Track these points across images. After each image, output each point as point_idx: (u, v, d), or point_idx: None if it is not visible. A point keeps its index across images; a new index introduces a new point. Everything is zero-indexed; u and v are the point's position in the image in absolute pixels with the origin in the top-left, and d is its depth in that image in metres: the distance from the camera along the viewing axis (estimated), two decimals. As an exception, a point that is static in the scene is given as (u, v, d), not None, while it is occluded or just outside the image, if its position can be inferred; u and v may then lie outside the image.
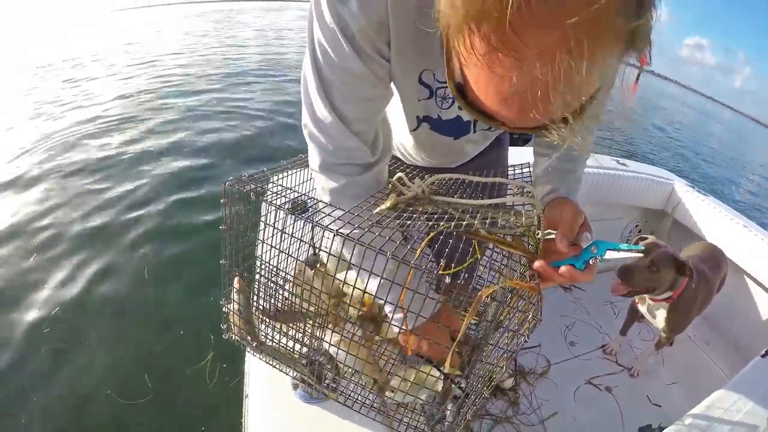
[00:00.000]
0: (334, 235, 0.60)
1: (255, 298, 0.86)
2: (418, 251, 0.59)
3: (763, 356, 1.38)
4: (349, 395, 0.86)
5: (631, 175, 2.41)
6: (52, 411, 1.94)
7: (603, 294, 2.37)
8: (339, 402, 0.86)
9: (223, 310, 0.88)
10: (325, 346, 0.83)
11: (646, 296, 1.74)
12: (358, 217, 0.64)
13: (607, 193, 2.37)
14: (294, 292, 0.79)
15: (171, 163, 4.25)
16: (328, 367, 0.88)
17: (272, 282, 0.82)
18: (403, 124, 0.88)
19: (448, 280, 0.61)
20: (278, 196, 0.70)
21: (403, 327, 0.71)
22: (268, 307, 0.87)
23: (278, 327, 0.86)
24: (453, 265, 0.67)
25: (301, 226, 0.66)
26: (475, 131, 0.89)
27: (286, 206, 0.67)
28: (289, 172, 0.89)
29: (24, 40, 12.50)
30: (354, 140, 0.70)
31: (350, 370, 0.81)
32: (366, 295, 0.78)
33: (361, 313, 0.82)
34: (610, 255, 0.60)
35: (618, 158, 2.61)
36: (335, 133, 0.69)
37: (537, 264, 0.64)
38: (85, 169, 4.03)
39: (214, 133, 5.10)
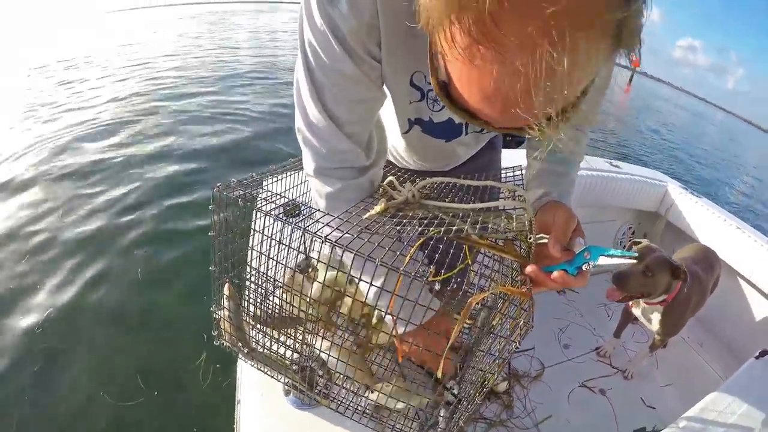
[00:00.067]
0: (323, 242, 0.60)
1: (245, 304, 0.85)
2: (408, 257, 0.59)
3: (757, 358, 1.38)
4: (341, 401, 0.86)
5: (624, 177, 2.41)
6: (47, 413, 1.94)
7: (597, 296, 2.37)
8: (331, 408, 0.86)
9: (214, 316, 0.87)
10: (317, 352, 0.82)
11: (641, 300, 1.74)
12: (348, 223, 0.64)
13: (601, 196, 2.38)
14: (284, 298, 0.78)
15: (164, 166, 4.22)
16: (320, 373, 0.88)
17: (262, 288, 0.81)
18: (395, 127, 0.88)
19: (437, 286, 0.60)
20: (267, 202, 0.69)
21: (397, 332, 0.71)
22: (258, 313, 0.86)
23: (269, 333, 0.86)
24: (443, 270, 0.67)
25: (290, 232, 0.65)
26: (467, 133, 0.89)
27: (276, 212, 0.67)
28: (279, 177, 0.89)
29: (16, 41, 12.43)
30: (347, 143, 0.69)
31: (342, 376, 0.81)
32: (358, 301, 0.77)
33: (353, 319, 0.81)
34: (603, 260, 0.60)
35: (611, 160, 2.62)
36: (328, 135, 0.68)
37: (529, 269, 0.64)
38: (78, 172, 4.00)
39: (208, 137, 5.08)
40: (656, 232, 2.57)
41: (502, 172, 1.17)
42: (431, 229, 0.60)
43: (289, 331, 0.84)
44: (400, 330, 0.73)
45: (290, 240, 0.66)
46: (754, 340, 2.06)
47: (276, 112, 6.20)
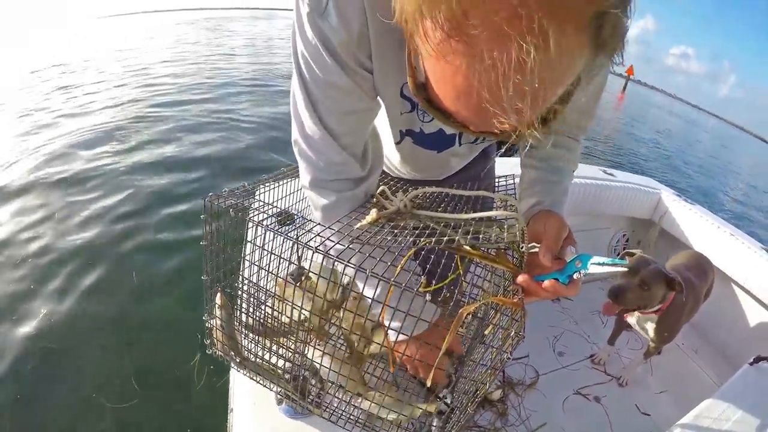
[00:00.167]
0: (313, 252, 0.60)
1: (238, 313, 0.85)
2: (399, 268, 0.59)
3: (751, 364, 1.39)
4: (334, 410, 0.85)
5: (617, 185, 2.42)
6: (46, 416, 1.94)
7: (591, 304, 2.38)
8: (323, 417, 0.85)
9: (206, 325, 0.87)
10: (309, 361, 0.82)
11: (636, 311, 1.75)
12: (339, 233, 0.64)
13: (595, 203, 2.39)
14: (276, 308, 0.78)
15: (160, 175, 4.20)
16: (312, 382, 0.87)
17: (254, 298, 0.81)
18: (388, 138, 0.88)
19: (428, 297, 0.60)
20: (259, 211, 0.70)
21: (389, 342, 0.71)
22: (251, 322, 0.86)
23: (261, 342, 0.85)
24: (435, 280, 0.67)
25: (282, 242, 0.65)
26: (460, 144, 0.89)
27: (267, 222, 0.67)
28: (271, 186, 0.89)
29: (11, 45, 12.39)
30: (343, 155, 0.70)
31: (334, 385, 0.80)
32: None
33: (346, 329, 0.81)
34: (594, 269, 0.60)
35: (605, 168, 2.63)
36: (324, 148, 0.69)
37: (520, 278, 0.64)
38: (73, 179, 3.97)
39: (204, 145, 5.06)
40: (650, 239, 2.58)
41: (496, 180, 1.17)
42: (423, 239, 0.60)
43: (281, 340, 0.84)
44: (393, 339, 0.73)
45: (282, 249, 0.66)
46: (748, 346, 2.07)
47: (272, 121, 6.18)
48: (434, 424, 0.84)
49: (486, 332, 0.69)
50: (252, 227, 0.67)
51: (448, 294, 0.78)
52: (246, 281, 0.78)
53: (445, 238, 0.60)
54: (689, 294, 1.73)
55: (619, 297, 1.60)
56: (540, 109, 0.41)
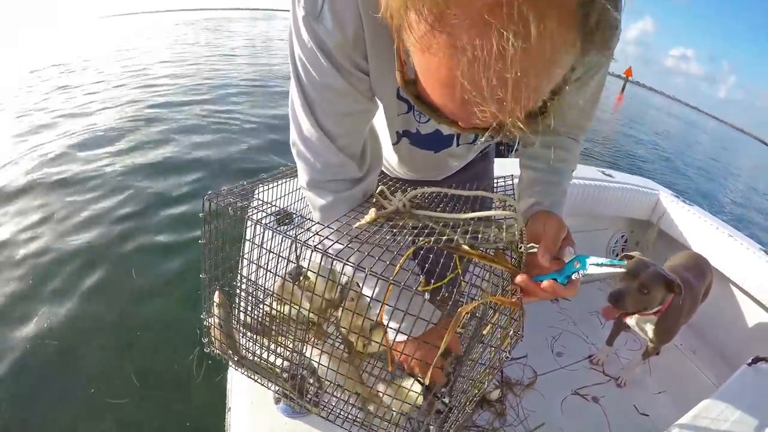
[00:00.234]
0: (312, 251, 0.60)
1: (236, 312, 0.85)
2: (397, 267, 0.59)
3: (749, 364, 1.39)
4: (332, 410, 0.85)
5: (616, 186, 2.43)
6: (46, 417, 1.94)
7: (589, 304, 2.38)
8: (321, 416, 0.85)
9: (204, 323, 0.87)
10: (307, 360, 0.82)
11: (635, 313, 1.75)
12: (338, 232, 0.64)
13: (593, 204, 2.39)
14: (275, 306, 0.78)
15: (159, 176, 4.21)
16: (310, 381, 0.87)
17: (252, 296, 0.81)
18: (386, 138, 0.88)
19: (427, 296, 0.60)
20: (258, 210, 0.70)
21: (388, 341, 0.71)
22: (249, 321, 0.86)
23: (259, 341, 0.85)
24: (433, 280, 0.67)
25: (281, 240, 0.65)
26: (458, 145, 0.89)
27: (266, 220, 0.67)
28: (271, 185, 0.89)
29: (9, 44, 12.38)
30: (340, 156, 0.70)
31: (332, 384, 0.80)
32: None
33: (344, 327, 0.81)
34: (592, 269, 0.60)
35: (603, 169, 2.63)
36: (322, 149, 0.69)
37: (519, 279, 0.64)
38: (72, 180, 3.97)
39: (204, 146, 5.07)
40: (649, 240, 2.58)
41: (495, 181, 1.17)
42: (421, 238, 0.60)
43: (279, 339, 0.84)
44: (391, 338, 0.73)
45: (281, 248, 0.66)
46: (746, 347, 2.07)
47: (272, 123, 6.19)
48: (432, 423, 0.84)
49: (485, 332, 0.69)
50: (251, 226, 0.67)
51: (447, 294, 0.78)
52: (244, 280, 0.78)
53: (444, 238, 0.60)
54: (687, 293, 1.74)
55: (619, 301, 1.60)
56: (525, 101, 0.40)
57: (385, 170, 1.09)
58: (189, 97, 7.13)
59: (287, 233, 0.63)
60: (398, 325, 0.64)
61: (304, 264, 0.65)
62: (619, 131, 14.67)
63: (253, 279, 0.75)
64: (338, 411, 0.85)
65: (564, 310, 2.36)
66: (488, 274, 0.76)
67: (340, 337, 0.85)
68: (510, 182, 1.08)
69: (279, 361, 0.86)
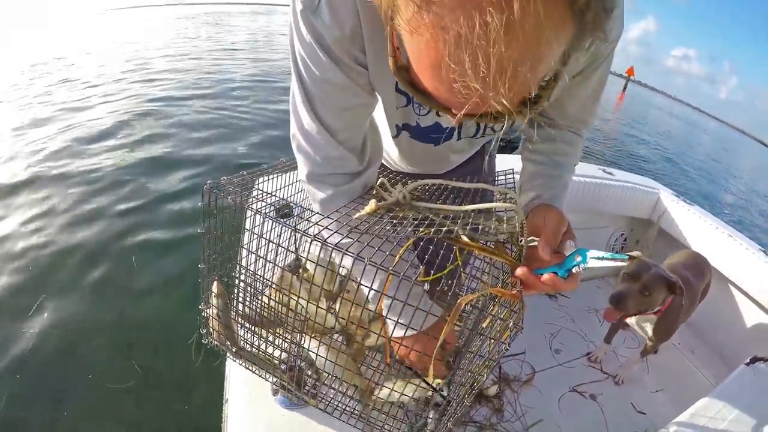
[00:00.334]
0: (311, 241, 0.59)
1: (234, 302, 0.85)
2: (397, 257, 0.59)
3: (747, 364, 1.39)
4: (330, 402, 0.85)
5: (617, 184, 2.42)
6: (45, 417, 1.94)
7: (588, 302, 2.38)
8: (319, 408, 0.85)
9: (202, 314, 0.87)
10: (305, 351, 0.82)
11: None
12: (338, 223, 0.64)
13: (593, 201, 2.39)
14: (274, 297, 0.78)
15: (160, 171, 4.19)
16: (308, 373, 0.87)
17: (251, 287, 0.81)
18: (386, 132, 0.88)
19: (427, 287, 0.60)
20: (258, 200, 0.69)
21: (387, 333, 0.71)
22: (247, 312, 0.86)
23: (257, 332, 0.85)
24: (433, 271, 0.67)
25: (281, 231, 0.65)
26: (459, 138, 0.89)
27: (266, 210, 0.67)
28: (271, 176, 0.89)
29: (11, 39, 12.34)
30: (340, 150, 0.70)
31: (330, 376, 0.80)
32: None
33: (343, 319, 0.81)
34: (593, 263, 0.60)
35: (604, 167, 2.63)
36: (322, 143, 0.69)
37: (519, 271, 0.64)
38: (73, 175, 3.95)
39: (205, 141, 5.05)
40: (648, 239, 2.58)
41: (496, 175, 1.17)
42: (421, 229, 0.60)
43: (278, 331, 0.83)
44: (390, 330, 0.73)
45: (281, 239, 0.66)
46: (745, 346, 2.08)
47: (273, 118, 6.17)
48: (430, 416, 0.84)
49: (484, 324, 0.69)
50: (251, 216, 0.67)
51: (447, 286, 0.78)
52: (243, 270, 0.78)
53: (444, 229, 0.60)
54: (687, 293, 1.74)
55: (621, 303, 1.60)
56: (512, 81, 0.38)
57: (386, 164, 1.09)
58: (190, 92, 7.10)
59: (287, 223, 0.63)
60: (395, 315, 0.64)
61: (304, 255, 0.65)
62: (621, 131, 14.65)
63: (252, 269, 0.75)
64: (336, 403, 0.85)
65: (562, 307, 2.36)
66: (488, 266, 0.76)
67: (337, 328, 0.85)
68: (511, 177, 1.07)
69: (277, 353, 0.86)
